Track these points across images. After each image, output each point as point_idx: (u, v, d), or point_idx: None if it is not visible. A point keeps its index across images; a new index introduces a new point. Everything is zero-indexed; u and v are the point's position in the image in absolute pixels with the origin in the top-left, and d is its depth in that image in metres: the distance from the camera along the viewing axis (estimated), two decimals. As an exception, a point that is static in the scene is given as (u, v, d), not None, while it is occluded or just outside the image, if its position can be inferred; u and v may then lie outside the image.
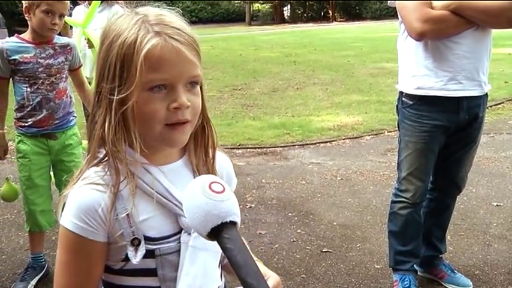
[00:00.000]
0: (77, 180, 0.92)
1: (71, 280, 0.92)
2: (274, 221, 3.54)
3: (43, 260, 2.88)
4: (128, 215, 0.90)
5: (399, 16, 2.38)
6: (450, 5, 2.20)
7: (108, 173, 0.91)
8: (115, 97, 0.89)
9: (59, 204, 0.94)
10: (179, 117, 0.90)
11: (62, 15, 2.58)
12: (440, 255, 2.73)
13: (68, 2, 2.66)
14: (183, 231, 0.94)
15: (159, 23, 0.90)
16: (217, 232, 0.80)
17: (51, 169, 2.82)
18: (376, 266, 2.90)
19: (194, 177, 0.98)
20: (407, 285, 2.53)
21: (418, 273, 2.68)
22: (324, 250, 3.11)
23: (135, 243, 0.90)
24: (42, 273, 2.84)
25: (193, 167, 1.00)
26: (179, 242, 0.94)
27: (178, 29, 0.90)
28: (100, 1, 4.04)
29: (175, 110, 0.90)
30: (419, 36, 2.27)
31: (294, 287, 2.70)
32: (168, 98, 0.89)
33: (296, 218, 3.59)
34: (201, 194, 0.81)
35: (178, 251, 0.94)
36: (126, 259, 0.92)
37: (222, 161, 1.08)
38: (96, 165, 0.93)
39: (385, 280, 2.74)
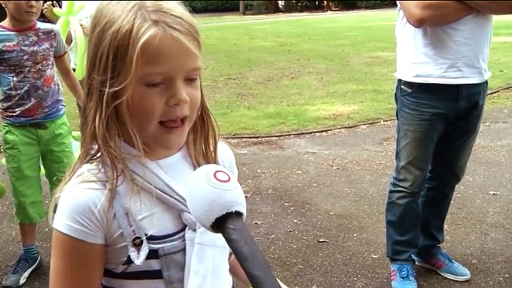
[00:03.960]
0: (69, 179, 0.85)
1: None
2: (270, 211, 3.51)
3: (35, 252, 2.84)
4: (126, 213, 0.83)
5: (398, 2, 2.33)
6: (450, -11, 2.14)
7: (102, 170, 0.84)
8: (107, 90, 0.81)
9: (50, 206, 0.87)
10: (177, 114, 0.83)
11: None
12: (438, 245, 2.71)
13: None
14: (187, 228, 0.88)
15: (157, 10, 0.80)
16: (222, 223, 0.75)
17: (41, 160, 2.76)
18: (373, 256, 2.88)
19: (194, 170, 0.92)
20: (405, 275, 2.50)
21: (416, 262, 2.65)
22: (320, 240, 3.08)
23: (137, 243, 0.83)
24: (34, 265, 2.80)
25: (193, 160, 0.93)
26: (184, 240, 0.87)
27: (178, 17, 0.81)
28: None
29: (174, 106, 0.82)
30: (419, 23, 2.22)
31: (290, 278, 2.67)
32: (167, 93, 0.81)
33: (292, 208, 3.56)
34: (205, 182, 0.76)
35: (183, 249, 0.87)
36: (128, 261, 0.84)
37: (223, 151, 1.01)
38: (89, 162, 0.86)
39: (383, 270, 2.71)
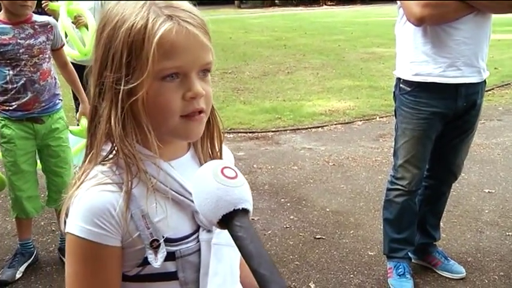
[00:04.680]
0: (82, 182, 0.83)
1: None
2: (266, 207, 3.51)
3: (31, 246, 2.82)
4: (143, 215, 0.82)
5: (398, 1, 2.33)
6: (451, -12, 2.14)
7: (116, 172, 0.83)
8: (122, 87, 0.80)
9: (61, 210, 0.85)
10: (195, 107, 0.83)
11: None
12: (434, 243, 2.72)
13: None
14: (201, 229, 0.87)
15: (169, 6, 0.81)
16: (229, 220, 0.75)
17: (37, 154, 2.74)
18: (369, 253, 2.89)
19: None
20: (401, 273, 2.52)
21: (412, 260, 2.67)
22: (317, 237, 3.09)
23: (155, 245, 0.82)
24: (31, 259, 2.79)
25: (201, 160, 0.93)
26: (198, 241, 0.87)
27: (189, 12, 0.82)
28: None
29: (191, 100, 0.82)
30: (419, 21, 2.22)
31: (287, 274, 2.67)
32: (182, 87, 0.82)
33: (289, 204, 3.56)
34: (212, 179, 0.76)
35: (198, 250, 0.86)
36: (143, 264, 0.83)
37: (224, 152, 1.00)
38: (101, 164, 0.84)
39: (379, 267, 2.73)
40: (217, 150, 0.95)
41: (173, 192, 0.85)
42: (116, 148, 0.84)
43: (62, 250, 2.85)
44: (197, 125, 0.85)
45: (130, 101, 0.81)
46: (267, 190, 3.82)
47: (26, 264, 2.75)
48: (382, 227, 2.70)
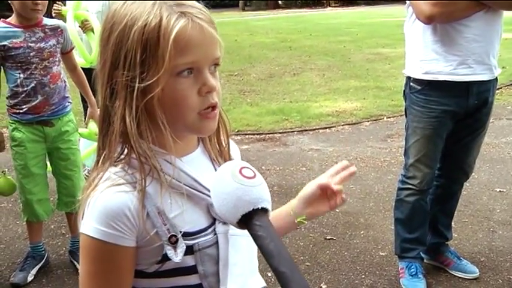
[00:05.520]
0: (96, 184, 0.84)
1: None
2: (275, 208, 3.45)
3: (42, 249, 2.83)
4: (159, 212, 0.83)
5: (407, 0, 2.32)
6: (461, -15, 2.13)
7: (129, 171, 0.84)
8: (136, 85, 0.80)
9: (79, 212, 0.85)
10: (210, 101, 0.84)
11: None
12: (446, 242, 2.70)
13: None
14: (217, 222, 0.88)
15: (179, 4, 0.82)
16: (248, 219, 0.75)
17: (47, 157, 2.75)
18: (380, 254, 2.87)
19: (213, 165, 0.93)
20: (413, 273, 2.50)
21: (424, 260, 2.65)
22: (327, 238, 3.08)
23: (173, 240, 0.83)
24: (42, 262, 2.79)
25: (211, 155, 0.94)
26: (215, 234, 0.87)
27: (199, 9, 0.84)
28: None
29: (206, 94, 0.84)
30: (428, 20, 2.21)
31: (298, 275, 2.66)
32: (197, 83, 0.83)
33: (298, 205, 3.54)
34: (231, 179, 0.76)
35: (216, 243, 0.87)
36: (163, 260, 0.84)
37: (231, 148, 1.02)
38: (113, 165, 0.85)
39: (391, 267, 2.71)
40: (225, 144, 0.96)
41: (187, 187, 0.86)
42: (127, 147, 0.84)
43: (72, 253, 2.86)
44: (213, 122, 0.87)
45: (146, 98, 0.81)
46: (276, 191, 3.81)
47: (37, 267, 2.76)
48: (392, 227, 2.69)
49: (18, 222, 3.33)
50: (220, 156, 0.95)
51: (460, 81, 2.27)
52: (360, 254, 2.89)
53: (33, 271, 2.73)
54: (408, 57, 2.43)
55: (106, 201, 0.81)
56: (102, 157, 0.86)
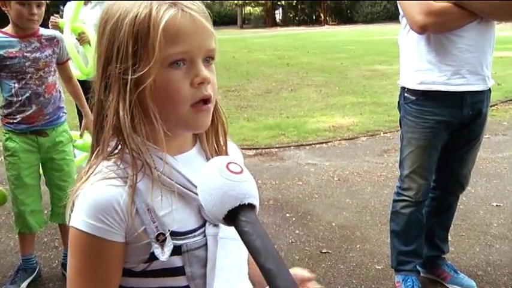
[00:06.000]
0: (88, 177, 0.83)
1: None
2: (271, 222, 3.47)
3: (34, 262, 2.79)
4: (148, 209, 0.81)
5: (400, 10, 2.33)
6: (454, -5, 2.15)
7: (121, 166, 0.83)
8: (129, 77, 0.80)
9: (67, 204, 0.84)
10: (203, 93, 0.83)
11: (40, 4, 2.49)
12: (443, 256, 2.67)
13: None
14: (207, 224, 0.86)
15: None
16: (235, 215, 0.74)
17: (41, 167, 2.72)
18: (377, 267, 2.84)
19: None
20: (410, 286, 2.46)
21: (421, 274, 2.62)
22: (323, 251, 3.04)
23: (161, 239, 0.81)
24: (33, 275, 2.75)
25: (208, 155, 0.93)
26: (205, 236, 0.85)
27: (191, 0, 0.84)
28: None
29: (199, 86, 0.82)
30: (422, 30, 2.22)
31: (293, 289, 2.62)
32: (190, 74, 0.82)
33: (294, 219, 3.52)
34: (218, 174, 0.75)
35: (205, 245, 0.85)
36: (150, 259, 0.82)
37: (233, 150, 1.01)
38: (106, 159, 0.84)
39: (387, 281, 2.67)
40: (222, 143, 0.95)
41: (179, 186, 0.84)
42: (121, 142, 0.83)
43: (64, 265, 2.82)
44: (206, 115, 0.85)
45: (139, 90, 0.80)
46: (272, 205, 3.79)
47: (28, 280, 2.71)
48: (389, 241, 2.66)
49: (10, 235, 3.30)
50: (217, 155, 0.93)
51: (454, 92, 2.27)
52: (356, 267, 2.85)
53: (24, 284, 2.68)
54: (403, 68, 2.43)
55: (95, 194, 0.80)
56: (96, 151, 0.86)
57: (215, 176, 0.75)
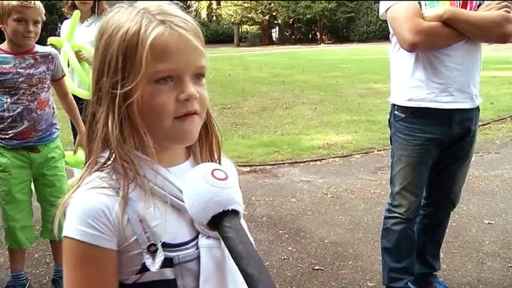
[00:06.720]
0: (78, 186, 0.84)
1: None
2: (264, 238, 3.46)
3: (24, 278, 2.76)
4: (140, 219, 0.82)
5: (390, 29, 2.38)
6: (442, 15, 2.19)
7: (114, 177, 0.83)
8: (118, 91, 0.82)
9: (57, 213, 0.84)
10: (188, 108, 0.84)
11: (36, 22, 2.52)
12: (434, 273, 2.67)
13: (41, 7, 2.57)
14: (200, 236, 0.86)
15: (162, 12, 0.84)
16: (219, 221, 0.76)
17: (32, 183, 2.72)
18: (369, 284, 2.83)
19: None
20: (401, 304, 2.46)
21: (413, 291, 2.61)
22: (315, 268, 3.03)
23: (152, 249, 0.82)
24: (22, 292, 2.72)
25: None
26: (197, 248, 0.85)
27: (181, 17, 0.85)
28: (90, 14, 3.98)
29: (185, 102, 0.84)
30: (411, 48, 2.26)
31: (284, 306, 2.61)
32: (176, 90, 0.83)
33: (287, 236, 3.52)
34: (202, 180, 0.77)
35: (197, 257, 0.85)
36: (142, 270, 0.82)
37: (227, 166, 1.00)
38: (99, 170, 0.85)
39: (379, 298, 2.67)
40: (216, 158, 0.95)
41: (171, 197, 0.85)
42: (113, 154, 0.84)
43: (55, 281, 2.80)
44: (190, 124, 0.85)
45: (126, 104, 0.82)
46: (265, 222, 3.78)
47: (17, 297, 2.69)
48: (381, 258, 2.66)
49: (0, 251, 3.27)
50: None
51: (442, 109, 2.30)
52: (348, 284, 2.84)
53: (13, 301, 2.66)
54: (393, 85, 2.47)
55: (86, 201, 0.81)
56: (88, 163, 0.87)
57: (200, 182, 0.77)
